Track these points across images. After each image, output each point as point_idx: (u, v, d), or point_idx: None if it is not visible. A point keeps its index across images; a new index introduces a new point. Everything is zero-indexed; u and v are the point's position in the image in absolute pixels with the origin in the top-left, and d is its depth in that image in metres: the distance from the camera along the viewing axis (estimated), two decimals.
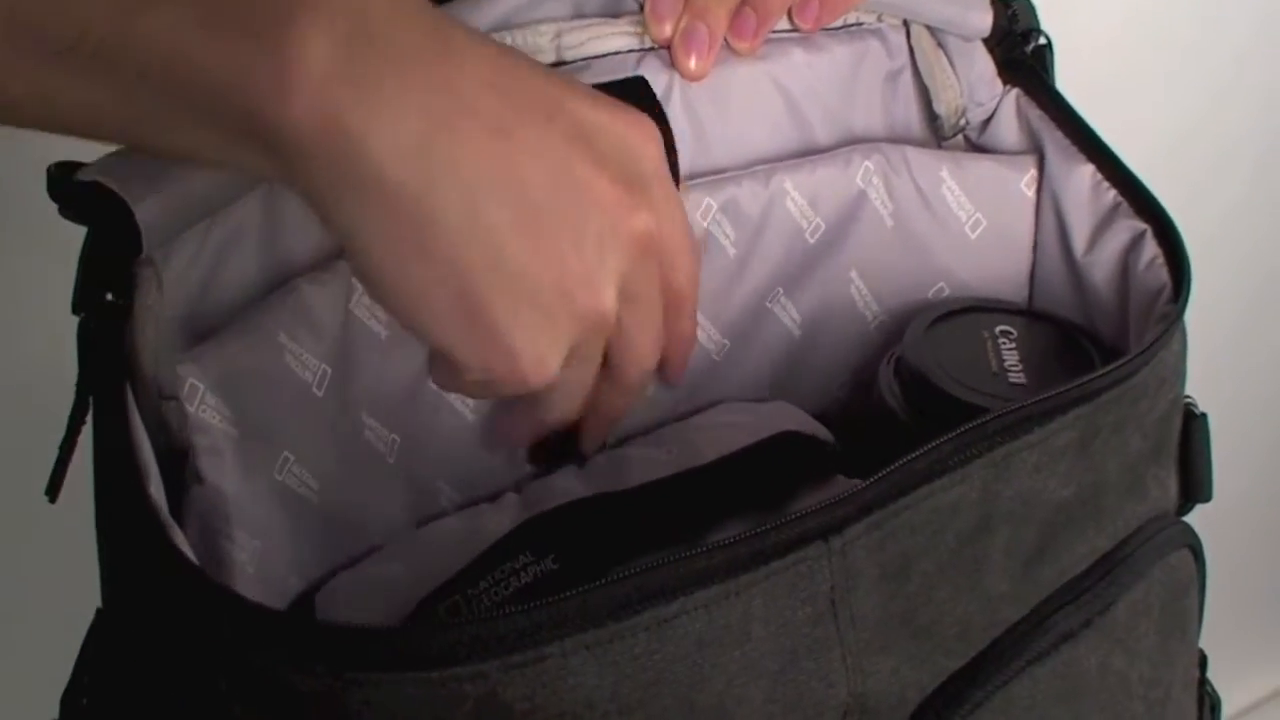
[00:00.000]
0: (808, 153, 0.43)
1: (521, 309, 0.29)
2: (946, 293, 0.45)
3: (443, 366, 0.31)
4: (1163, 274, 0.39)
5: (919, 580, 0.33)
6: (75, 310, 0.31)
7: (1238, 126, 0.84)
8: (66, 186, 0.31)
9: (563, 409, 0.35)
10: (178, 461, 0.34)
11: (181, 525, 0.33)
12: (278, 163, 0.27)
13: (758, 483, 0.39)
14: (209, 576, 0.27)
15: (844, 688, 0.32)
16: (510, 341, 0.30)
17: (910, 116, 0.46)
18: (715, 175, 0.41)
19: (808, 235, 0.43)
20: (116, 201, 0.30)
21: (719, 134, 0.41)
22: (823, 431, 0.42)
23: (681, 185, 0.38)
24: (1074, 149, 0.43)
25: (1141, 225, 0.41)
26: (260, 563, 0.35)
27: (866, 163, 0.43)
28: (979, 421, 0.33)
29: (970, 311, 0.44)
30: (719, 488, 0.38)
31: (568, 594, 0.27)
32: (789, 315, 0.44)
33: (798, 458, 0.40)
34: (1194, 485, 0.41)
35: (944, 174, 0.44)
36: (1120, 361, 0.36)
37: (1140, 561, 0.38)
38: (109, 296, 0.31)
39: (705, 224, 0.41)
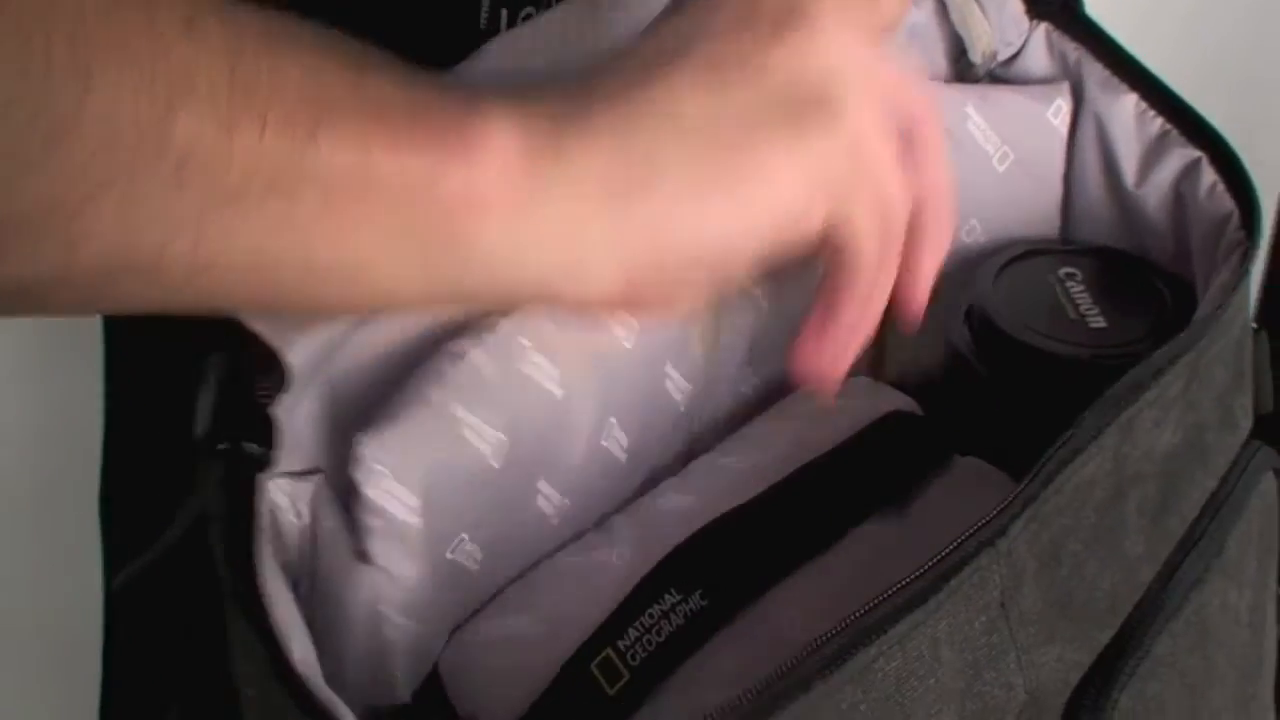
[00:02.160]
0: None
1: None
2: (979, 230, 0.44)
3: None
4: (1226, 201, 0.39)
5: (1070, 562, 0.32)
6: (201, 450, 0.27)
7: None
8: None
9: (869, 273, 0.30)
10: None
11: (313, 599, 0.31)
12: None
13: (881, 474, 0.37)
14: None
15: (1021, 688, 0.31)
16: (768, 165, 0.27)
17: (935, 61, 0.44)
18: None
19: None
20: (261, 346, 0.27)
21: None
22: (906, 400, 0.41)
23: None
24: (1114, 79, 0.42)
25: (1195, 152, 0.40)
26: (415, 642, 0.32)
27: None
28: (1112, 390, 0.32)
29: (1031, 256, 0.43)
30: (843, 484, 0.37)
31: (781, 672, 0.26)
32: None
33: (912, 441, 0.38)
34: (1259, 401, 0.42)
35: (969, 109, 0.42)
36: (1219, 301, 0.35)
37: (1240, 495, 0.38)
38: (252, 448, 0.28)
39: None
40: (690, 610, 0.34)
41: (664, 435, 0.39)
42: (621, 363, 0.36)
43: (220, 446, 0.27)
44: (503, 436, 0.32)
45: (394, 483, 0.30)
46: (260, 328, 0.28)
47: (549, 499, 0.35)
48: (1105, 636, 0.34)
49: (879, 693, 0.28)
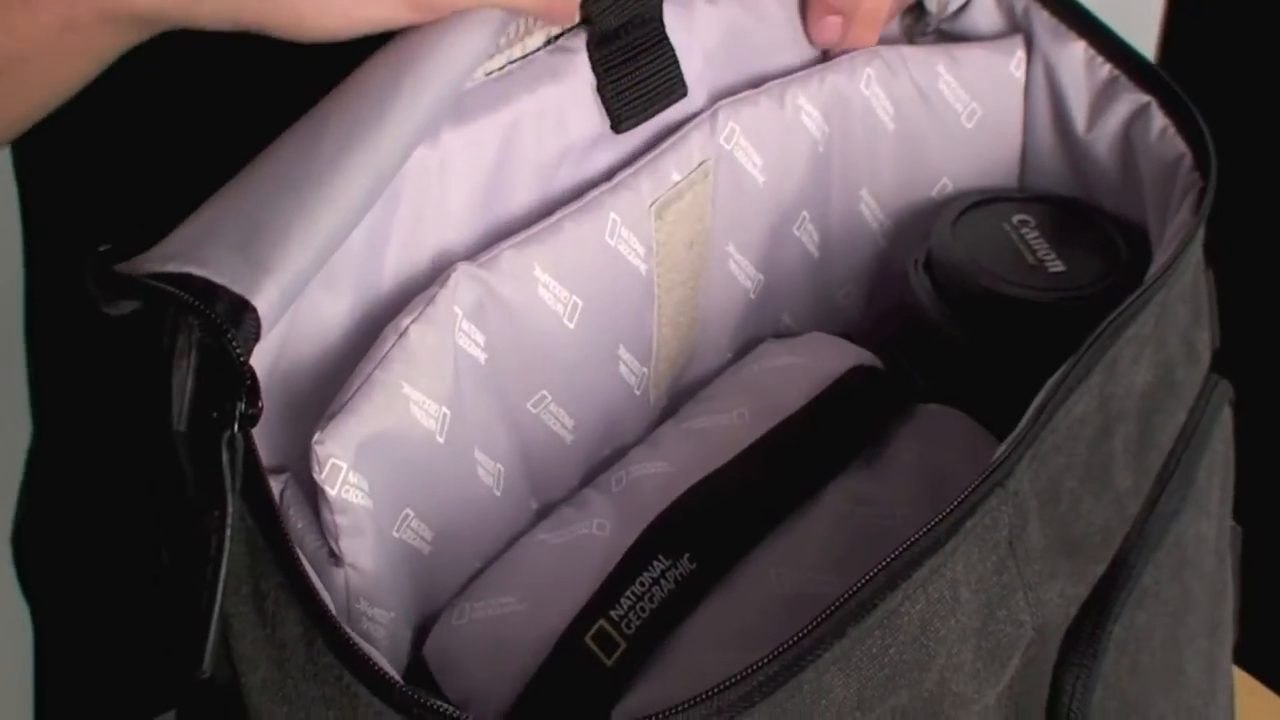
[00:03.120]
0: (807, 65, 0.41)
1: None
2: (950, 188, 0.45)
3: None
4: (1178, 143, 0.40)
5: (1067, 499, 0.33)
6: (187, 428, 0.26)
7: None
8: (134, 284, 0.25)
9: None
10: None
11: None
12: None
13: (850, 428, 0.37)
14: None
15: (1029, 624, 0.31)
16: None
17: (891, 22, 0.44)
18: (729, 97, 0.39)
19: (820, 147, 0.41)
20: (229, 297, 0.26)
21: (730, 54, 0.39)
22: (867, 354, 0.41)
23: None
24: (1062, 27, 0.42)
25: (1144, 97, 0.41)
26: (391, 633, 0.31)
27: (868, 69, 0.41)
28: (1100, 330, 0.33)
29: (984, 204, 0.43)
30: (815, 441, 0.37)
31: (817, 621, 0.26)
32: (811, 239, 0.43)
33: (877, 394, 0.38)
34: (1211, 337, 0.43)
35: (940, 69, 0.43)
36: (1182, 241, 0.36)
37: (1205, 427, 0.39)
38: (244, 407, 0.26)
39: (729, 148, 0.38)
40: (680, 574, 0.33)
41: (622, 417, 0.39)
42: (562, 341, 0.35)
43: (214, 414, 0.26)
44: (446, 410, 0.32)
45: (354, 473, 0.29)
46: (223, 279, 0.26)
47: (485, 468, 0.34)
48: (1099, 570, 0.34)
49: (906, 635, 0.28)
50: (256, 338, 0.26)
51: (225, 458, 0.25)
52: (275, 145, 0.30)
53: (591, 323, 0.36)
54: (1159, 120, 0.40)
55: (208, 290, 0.26)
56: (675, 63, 0.38)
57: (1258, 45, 0.70)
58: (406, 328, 0.31)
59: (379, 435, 0.30)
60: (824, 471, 0.36)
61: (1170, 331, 0.37)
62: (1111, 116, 0.42)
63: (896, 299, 0.44)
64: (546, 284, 0.34)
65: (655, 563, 0.33)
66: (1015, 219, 0.43)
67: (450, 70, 0.31)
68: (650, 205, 0.37)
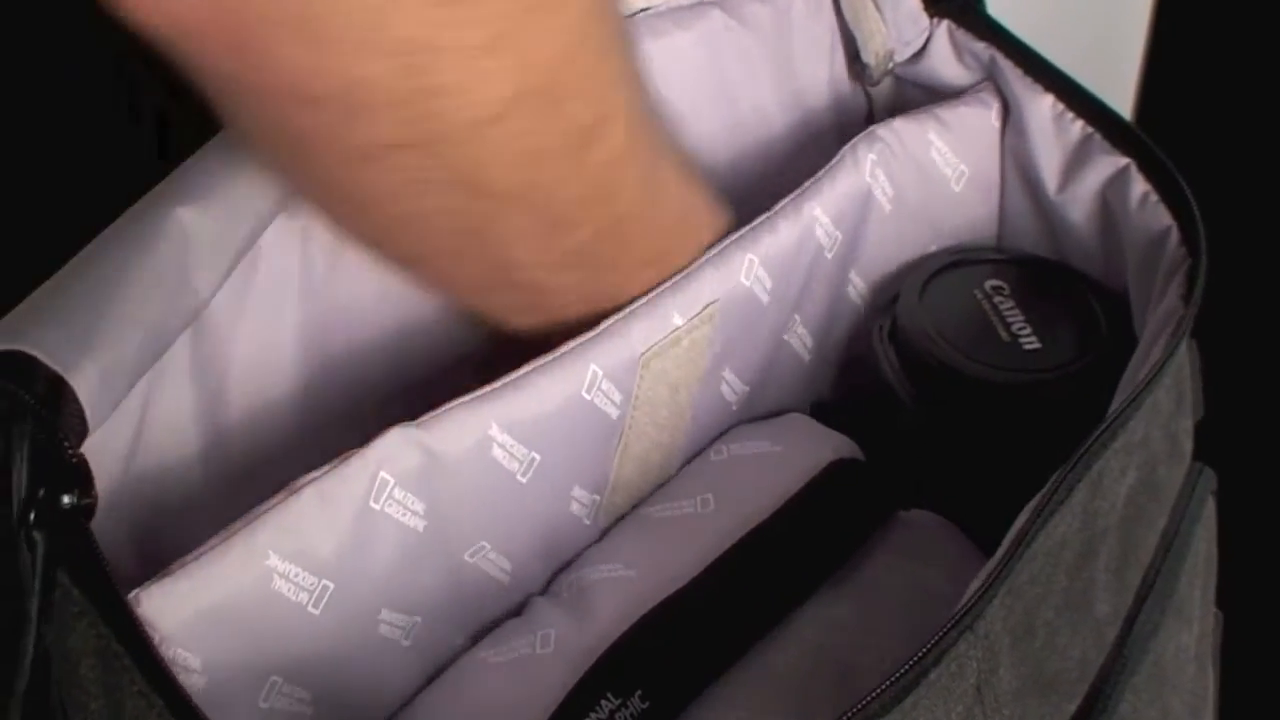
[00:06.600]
0: (756, 120, 0.38)
1: None
2: (933, 250, 0.41)
3: None
4: (1161, 213, 0.36)
5: (1043, 633, 0.29)
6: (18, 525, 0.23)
7: None
8: None
9: None
10: None
11: None
12: None
13: (826, 543, 0.33)
14: None
15: None
16: None
17: (839, 67, 0.40)
18: (750, 226, 0.34)
19: (828, 253, 0.37)
20: (46, 374, 0.23)
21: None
22: (846, 443, 0.37)
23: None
24: (1028, 79, 0.39)
25: (1122, 159, 0.37)
26: None
27: (870, 155, 0.38)
28: (1084, 449, 0.29)
29: (956, 266, 0.40)
30: (787, 557, 0.33)
31: None
32: (801, 342, 0.38)
33: (858, 500, 0.35)
34: (1193, 409, 0.40)
35: (931, 135, 0.39)
36: (1175, 333, 0.32)
37: (1187, 529, 0.35)
38: (69, 500, 0.23)
39: (748, 284, 0.34)
40: (631, 715, 0.29)
41: (568, 544, 0.34)
42: (512, 495, 0.31)
43: (49, 508, 0.23)
44: (328, 583, 0.27)
45: (173, 645, 0.25)
46: (42, 354, 0.23)
47: (392, 623, 0.29)
48: (1073, 706, 0.31)
49: None
50: (83, 426, 0.23)
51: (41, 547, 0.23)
52: (124, 216, 0.27)
53: (548, 474, 0.31)
54: (1139, 185, 0.37)
55: (27, 366, 0.23)
56: None
57: (1242, 104, 0.66)
58: (300, 489, 0.26)
59: (221, 605, 0.25)
60: (796, 592, 0.32)
61: (1154, 428, 0.34)
62: (1086, 178, 0.38)
63: (861, 368, 0.40)
64: (504, 443, 0.29)
65: (604, 702, 0.29)
66: (988, 285, 0.39)
67: None
68: (641, 354, 0.31)
